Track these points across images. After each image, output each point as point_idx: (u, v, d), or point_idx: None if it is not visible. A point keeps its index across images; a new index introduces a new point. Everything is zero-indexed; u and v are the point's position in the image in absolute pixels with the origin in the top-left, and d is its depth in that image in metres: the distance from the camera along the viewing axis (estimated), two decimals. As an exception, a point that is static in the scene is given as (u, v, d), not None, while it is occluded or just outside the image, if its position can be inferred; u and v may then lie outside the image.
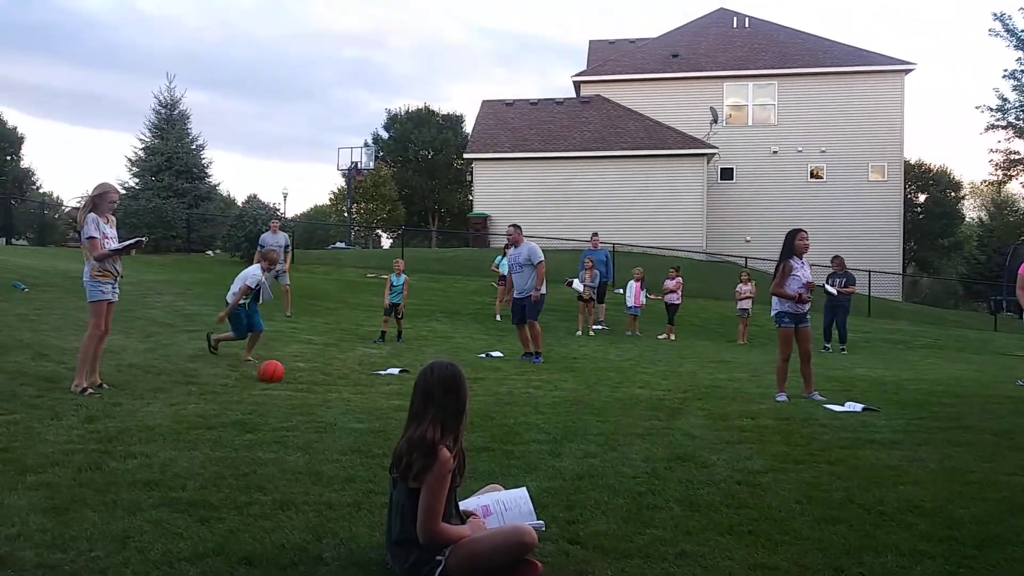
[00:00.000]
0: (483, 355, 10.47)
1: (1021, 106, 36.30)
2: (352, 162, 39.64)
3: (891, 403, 7.29)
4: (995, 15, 35.83)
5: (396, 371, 8.58)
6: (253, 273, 8.86)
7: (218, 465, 4.35)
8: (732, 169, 32.59)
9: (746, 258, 26.15)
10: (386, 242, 58.01)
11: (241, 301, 8.61)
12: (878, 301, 24.04)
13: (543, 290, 10.15)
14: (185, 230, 26.03)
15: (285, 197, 70.16)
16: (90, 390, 6.31)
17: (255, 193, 74.53)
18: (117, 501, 3.64)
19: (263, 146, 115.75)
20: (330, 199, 57.96)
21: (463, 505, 3.19)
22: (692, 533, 3.40)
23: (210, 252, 26.29)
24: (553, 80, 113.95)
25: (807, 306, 7.48)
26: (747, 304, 15.52)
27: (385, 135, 55.68)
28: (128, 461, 4.37)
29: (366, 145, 47.69)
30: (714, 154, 30.45)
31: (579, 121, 32.29)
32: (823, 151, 32.18)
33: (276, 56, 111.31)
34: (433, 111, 55.82)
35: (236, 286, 8.71)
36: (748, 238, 30.88)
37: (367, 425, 5.62)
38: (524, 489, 3.37)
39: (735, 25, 35.89)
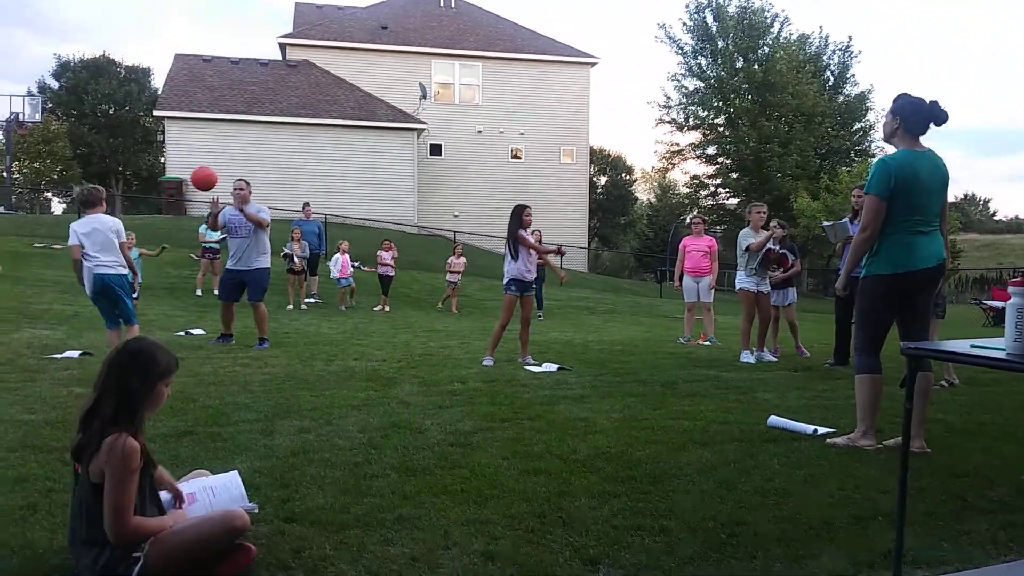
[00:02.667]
0: (182, 333, 9.66)
1: (681, 104, 42.08)
2: (12, 113, 33.77)
3: (580, 362, 8.12)
4: (659, 24, 41.06)
5: (76, 354, 7.58)
6: None
7: None
8: (441, 145, 33.53)
9: (455, 232, 27.22)
10: (58, 207, 50.77)
11: None
12: (567, 272, 26.53)
13: (266, 263, 8.75)
14: None
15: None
16: None
17: None
18: None
19: None
20: (-18, 155, 48.94)
21: (164, 495, 2.93)
22: (409, 497, 3.49)
23: None
24: (255, 41, 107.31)
25: (533, 275, 8.05)
26: (456, 277, 16.21)
27: (55, 84, 48.20)
28: None
29: (30, 94, 40.85)
30: (423, 129, 31.05)
31: (286, 85, 30.89)
32: (522, 133, 34.43)
33: None
34: (114, 61, 49.43)
35: None
36: (456, 213, 32.13)
37: (41, 416, 4.90)
38: (235, 472, 3.19)
39: (442, 4, 36.76)
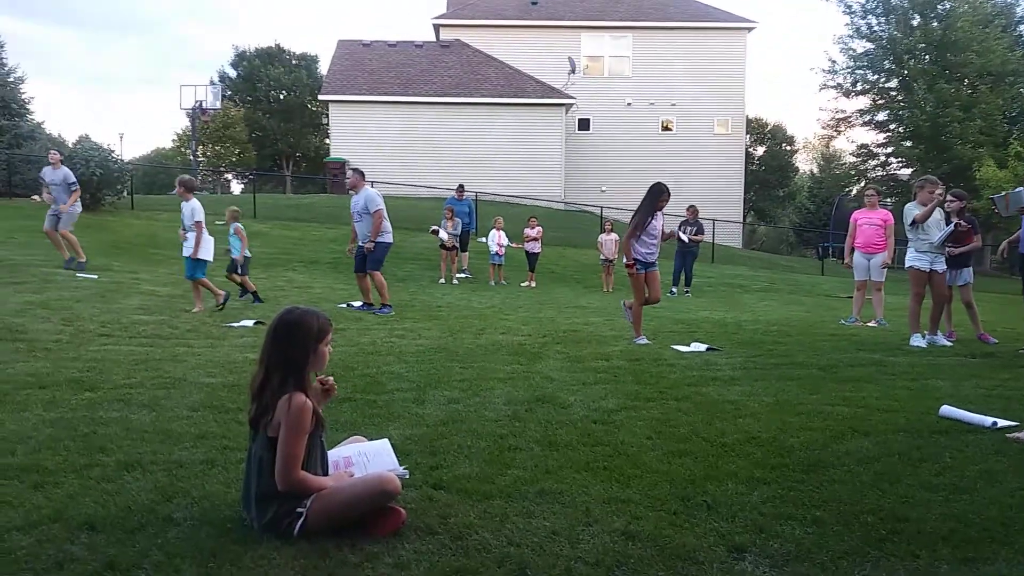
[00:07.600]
0: (343, 305, 10.25)
1: (848, 69, 39.23)
2: (196, 101, 36.96)
3: (731, 342, 7.83)
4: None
5: (250, 323, 8.25)
6: None
7: (53, 427, 4.03)
8: (589, 120, 33.24)
9: (602, 207, 26.94)
10: (236, 187, 55.11)
11: None
12: (721, 248, 25.60)
13: (387, 239, 9.88)
14: (5, 172, 23.50)
15: (121, 138, 64.89)
16: None
17: (87, 133, 68.37)
18: (-68, 471, 3.30)
19: (94, 83, 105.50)
20: (174, 141, 54.09)
21: (332, 459, 3.13)
22: (551, 471, 3.53)
23: (36, 197, 23.91)
24: (411, 21, 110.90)
25: (656, 253, 7.79)
26: (610, 255, 16.00)
27: (233, 73, 52.23)
28: (-56, 427, 3.95)
29: (212, 83, 44.45)
30: (572, 104, 30.89)
31: (439, 65, 31.71)
32: (673, 104, 33.42)
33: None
34: (284, 49, 52.80)
35: None
36: (603, 188, 31.80)
37: (220, 379, 5.38)
38: (386, 440, 3.36)
39: (593, -25, 36.19)
